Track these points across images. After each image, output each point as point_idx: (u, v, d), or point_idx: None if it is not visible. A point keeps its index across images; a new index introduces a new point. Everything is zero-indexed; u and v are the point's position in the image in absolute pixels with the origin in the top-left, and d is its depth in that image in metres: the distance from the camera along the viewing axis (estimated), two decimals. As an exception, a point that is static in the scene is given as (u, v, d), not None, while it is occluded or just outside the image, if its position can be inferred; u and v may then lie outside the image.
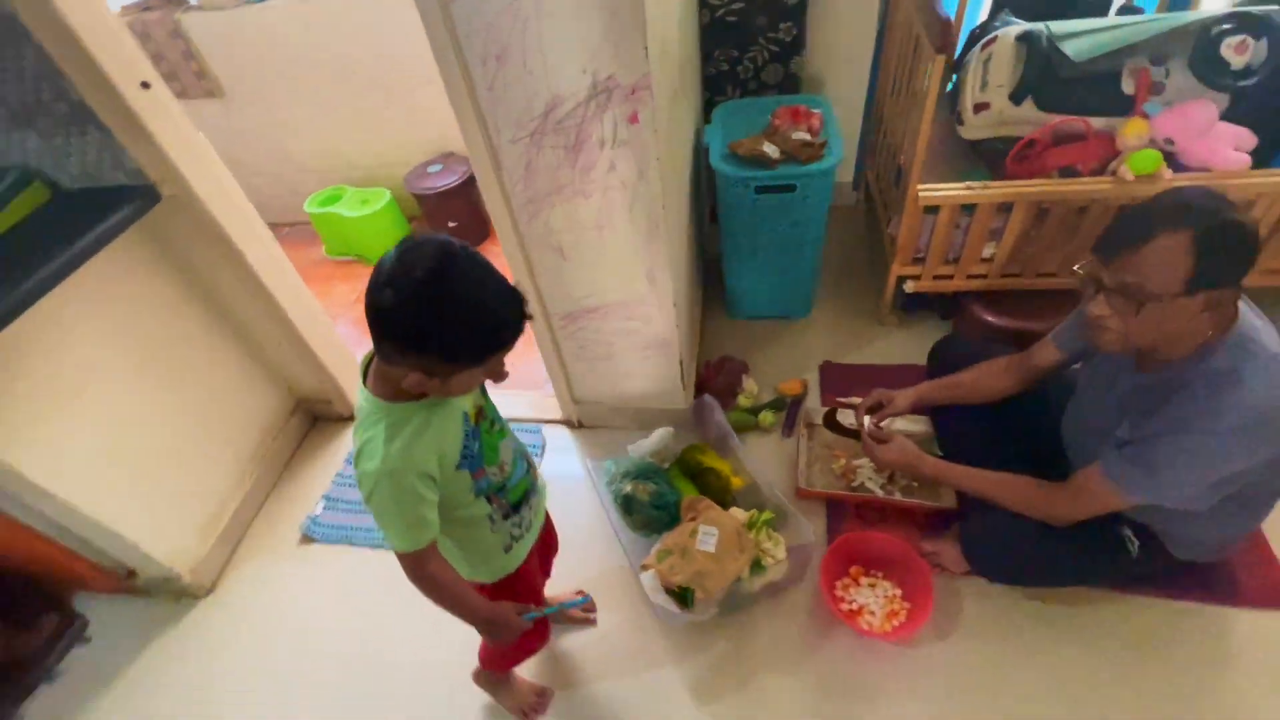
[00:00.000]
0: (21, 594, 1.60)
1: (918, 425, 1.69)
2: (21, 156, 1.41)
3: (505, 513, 1.01)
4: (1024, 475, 1.25)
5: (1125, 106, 1.59)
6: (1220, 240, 0.96)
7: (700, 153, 1.82)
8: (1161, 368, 1.09)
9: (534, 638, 1.24)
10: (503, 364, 0.85)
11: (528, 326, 0.82)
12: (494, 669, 1.29)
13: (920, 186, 1.64)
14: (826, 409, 1.64)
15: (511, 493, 1.01)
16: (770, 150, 1.70)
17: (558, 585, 1.47)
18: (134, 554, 1.55)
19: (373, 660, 1.46)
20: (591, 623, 1.45)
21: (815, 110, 1.84)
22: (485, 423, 0.95)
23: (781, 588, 1.45)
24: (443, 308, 0.75)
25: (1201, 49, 1.50)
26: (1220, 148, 1.51)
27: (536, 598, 1.17)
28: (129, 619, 1.65)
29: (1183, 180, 1.51)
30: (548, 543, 1.30)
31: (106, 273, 1.40)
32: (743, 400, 1.84)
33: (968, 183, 1.62)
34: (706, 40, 2.05)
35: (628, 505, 1.48)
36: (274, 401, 1.90)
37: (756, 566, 1.34)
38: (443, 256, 0.76)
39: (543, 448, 1.86)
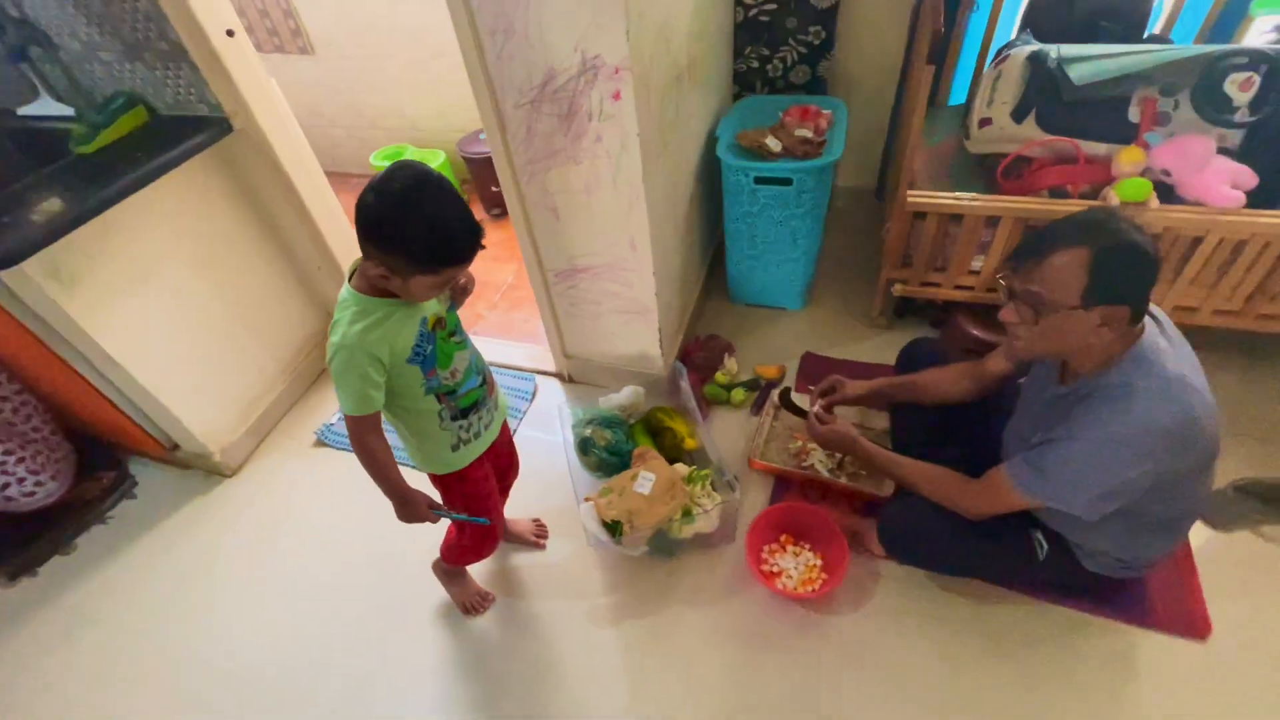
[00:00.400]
0: (89, 450, 1.92)
1: (878, 421, 1.76)
2: (130, 84, 1.69)
3: (454, 414, 1.16)
4: (948, 469, 1.32)
5: (1129, 134, 1.60)
6: (1115, 259, 1.01)
7: (713, 141, 1.94)
8: (1075, 380, 1.15)
9: (483, 545, 1.40)
10: (458, 281, 1.00)
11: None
12: (449, 563, 1.47)
13: (910, 192, 1.70)
14: (784, 387, 1.73)
15: (461, 399, 1.16)
16: (771, 143, 1.79)
17: (518, 511, 1.65)
18: (178, 429, 1.82)
19: (356, 550, 1.68)
20: (541, 547, 1.61)
21: (826, 111, 1.92)
22: (443, 332, 1.10)
23: (713, 544, 1.57)
24: (409, 215, 0.90)
25: (1205, 83, 1.50)
26: (1216, 184, 1.50)
27: (485, 505, 1.32)
28: (169, 485, 1.94)
29: (1173, 211, 1.51)
30: (507, 463, 1.46)
31: (182, 185, 1.67)
32: (720, 376, 1.95)
33: (956, 194, 1.67)
34: (739, 37, 2.16)
35: (584, 447, 1.63)
36: (311, 321, 2.15)
37: (687, 515, 1.46)
38: (421, 177, 0.93)
39: (533, 393, 2.03)
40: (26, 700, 1.49)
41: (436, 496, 1.29)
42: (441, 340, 1.10)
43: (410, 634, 1.51)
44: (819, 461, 1.68)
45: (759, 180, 1.84)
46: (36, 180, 1.52)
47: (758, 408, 1.86)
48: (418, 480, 1.24)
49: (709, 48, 1.84)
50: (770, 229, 1.96)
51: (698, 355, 1.99)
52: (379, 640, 1.51)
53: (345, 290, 1.03)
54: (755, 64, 2.21)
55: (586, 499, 1.48)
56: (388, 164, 2.97)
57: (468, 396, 1.17)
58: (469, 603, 1.51)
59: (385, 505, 1.17)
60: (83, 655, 1.57)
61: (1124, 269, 1.02)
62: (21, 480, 1.73)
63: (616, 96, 1.30)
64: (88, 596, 1.69)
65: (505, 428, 1.41)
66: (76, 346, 1.59)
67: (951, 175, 1.82)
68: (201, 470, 1.96)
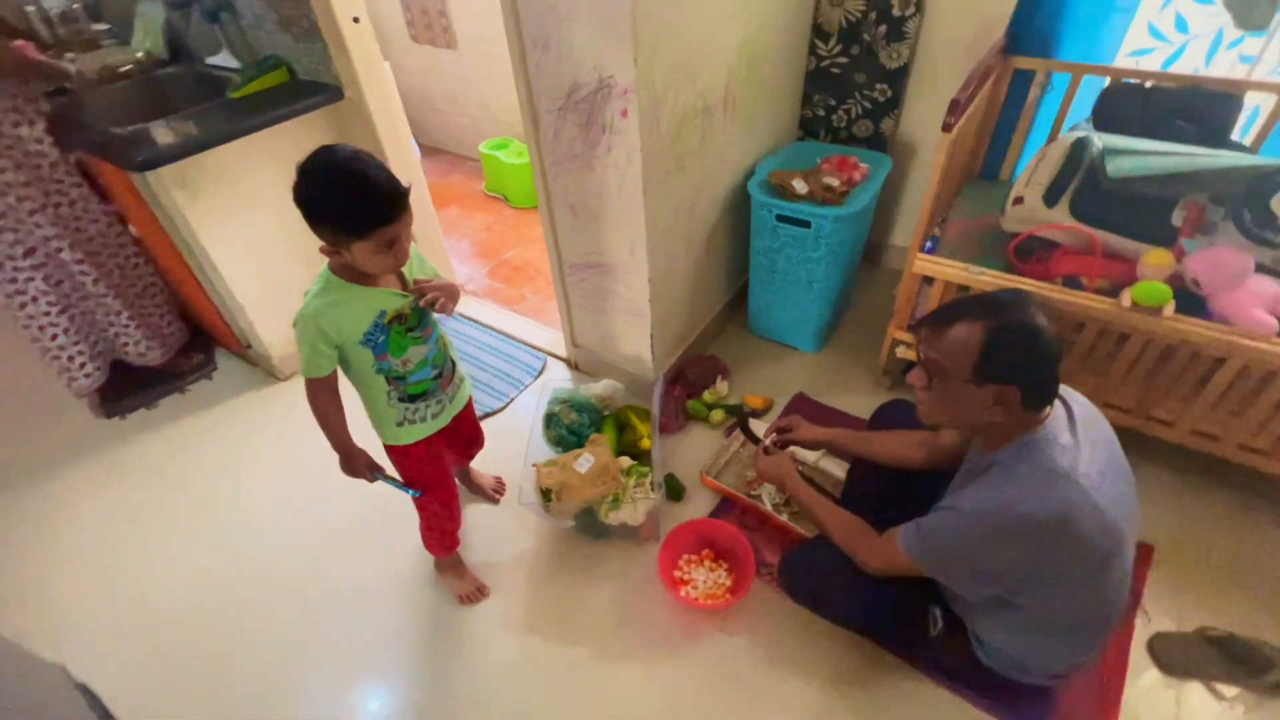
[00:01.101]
0: (193, 334, 2.35)
1: (838, 470, 1.75)
2: (281, 50, 2.08)
3: (401, 397, 1.26)
4: (861, 520, 1.33)
5: (1168, 237, 1.50)
6: (1008, 339, 1.00)
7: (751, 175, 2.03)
8: (983, 454, 1.13)
9: (442, 529, 1.51)
10: (394, 245, 1.05)
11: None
12: (430, 552, 1.58)
13: (920, 257, 1.70)
14: (748, 412, 1.77)
15: (410, 386, 1.26)
16: (798, 185, 1.86)
17: (490, 463, 1.81)
18: (251, 331, 2.19)
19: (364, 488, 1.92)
20: (495, 501, 1.77)
21: (864, 165, 1.95)
22: (400, 327, 1.19)
23: (639, 539, 1.65)
24: (329, 185, 1.00)
25: (1251, 196, 1.38)
26: (1249, 305, 1.38)
27: (420, 483, 1.42)
28: (238, 375, 2.33)
29: (1190, 324, 1.40)
30: (469, 435, 1.58)
31: (296, 134, 2.02)
32: (707, 395, 2.02)
33: (966, 265, 1.65)
34: (808, 84, 2.23)
35: (549, 420, 1.77)
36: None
37: (615, 502, 1.56)
38: (335, 151, 1.02)
39: (540, 370, 2.22)
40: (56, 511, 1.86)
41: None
42: (397, 333, 1.19)
43: (363, 556, 1.72)
44: (767, 494, 1.71)
45: (780, 218, 1.91)
46: (196, 111, 1.92)
47: (729, 430, 1.92)
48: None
49: (761, 90, 1.94)
50: (789, 267, 2.01)
51: (692, 371, 2.07)
52: (338, 559, 1.73)
53: (323, 268, 1.16)
54: (821, 112, 2.27)
55: (534, 464, 1.62)
56: (491, 153, 3.30)
57: (418, 385, 1.27)
58: (465, 593, 1.60)
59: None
60: (130, 492, 1.94)
61: (1016, 351, 1.00)
62: (136, 342, 2.16)
63: (624, 114, 1.44)
64: (152, 446, 2.08)
65: (469, 406, 1.50)
66: (191, 247, 1.98)
67: (983, 248, 1.79)
68: (262, 371, 2.33)
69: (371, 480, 1.31)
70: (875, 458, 1.49)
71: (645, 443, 1.74)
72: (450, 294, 1.21)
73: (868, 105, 2.17)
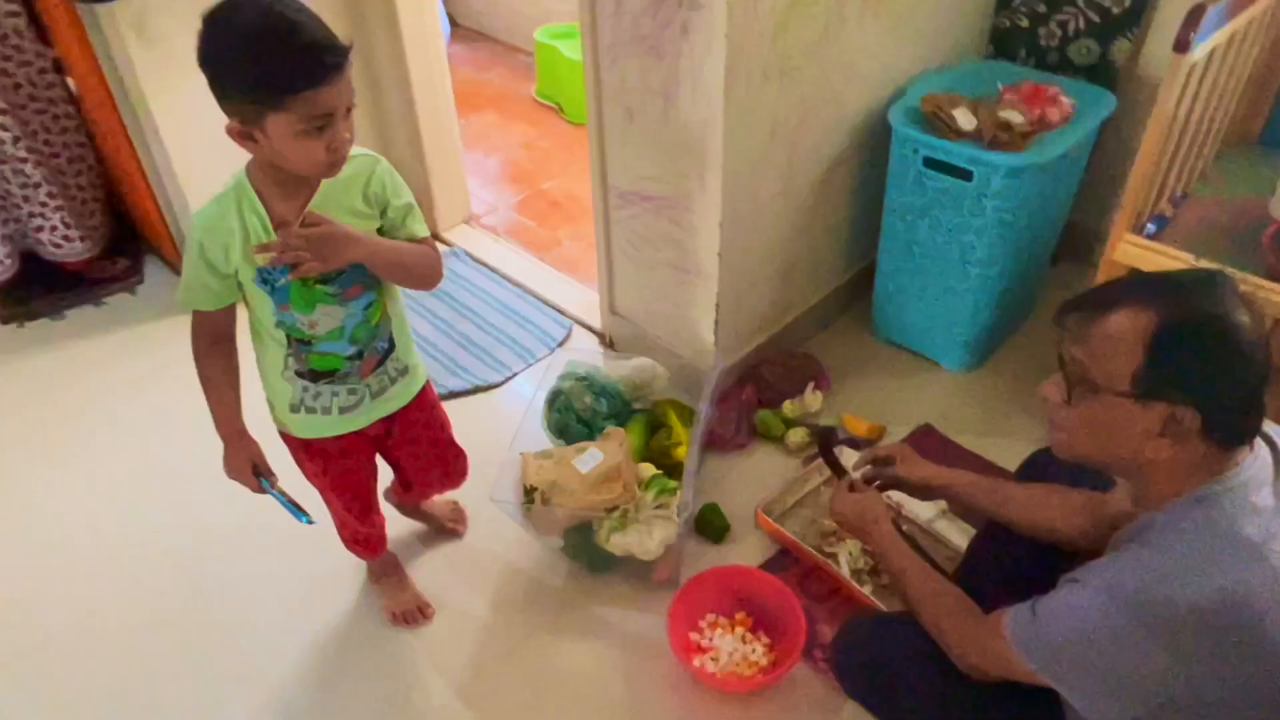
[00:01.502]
0: (118, 232, 2.66)
1: (957, 536, 1.78)
2: None
3: (300, 371, 1.32)
4: (965, 595, 1.35)
5: None
6: (1190, 338, 0.99)
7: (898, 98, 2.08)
8: (1139, 515, 1.15)
9: (353, 538, 1.65)
10: (326, 128, 1.07)
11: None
12: (352, 553, 1.69)
13: (1128, 238, 1.71)
14: (829, 426, 1.82)
15: (313, 357, 1.31)
16: (960, 118, 1.90)
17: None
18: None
19: None
20: (458, 534, 1.90)
21: (1069, 99, 1.96)
22: (300, 285, 1.22)
23: (651, 582, 1.74)
24: (234, 32, 1.04)
25: None
26: None
27: (324, 498, 1.53)
28: (166, 291, 2.63)
29: None
30: (430, 466, 1.62)
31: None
32: (788, 407, 2.09)
33: (1197, 258, 1.64)
34: (1010, -19, 2.27)
35: (552, 400, 1.90)
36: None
37: (621, 521, 1.66)
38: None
39: (561, 341, 2.36)
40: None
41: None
42: (300, 284, 1.23)
43: (279, 535, 1.91)
44: (847, 555, 1.76)
45: (929, 163, 1.95)
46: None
47: (810, 459, 1.97)
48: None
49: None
50: (935, 238, 2.05)
51: (773, 371, 2.14)
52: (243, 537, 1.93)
53: (240, 168, 1.22)
54: (1024, 22, 2.30)
55: (522, 454, 1.75)
56: (549, 42, 3.53)
57: (324, 359, 1.32)
58: (399, 609, 1.71)
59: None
60: (10, 416, 2.23)
61: (1200, 355, 1.00)
62: (54, 229, 2.48)
63: (710, -17, 1.56)
64: (49, 364, 2.38)
65: (436, 423, 1.58)
66: (137, 111, 2.26)
67: (1237, 243, 1.77)
68: (201, 292, 2.61)
69: (257, 489, 1.39)
70: (1014, 522, 1.51)
71: (681, 451, 1.83)
72: (326, 245, 1.17)
73: (1094, 18, 2.18)
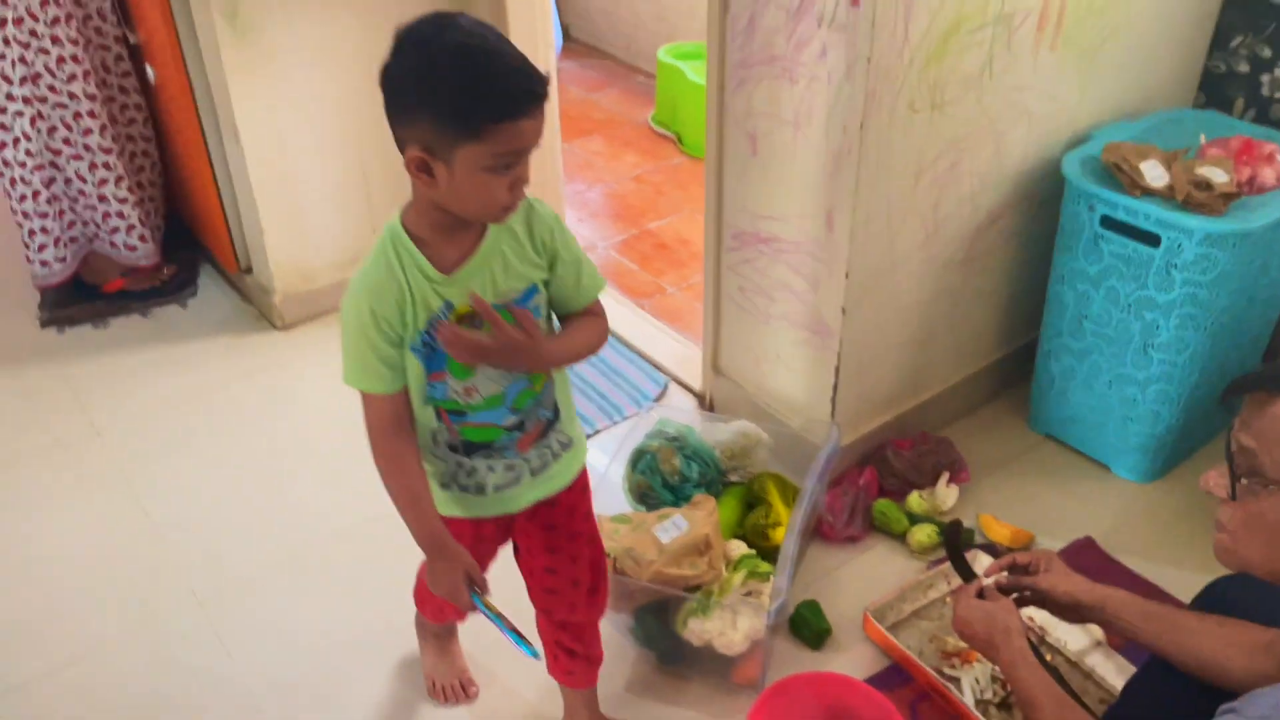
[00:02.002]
0: (173, 238, 2.98)
1: (1110, 673, 1.79)
2: None
3: (452, 444, 1.39)
4: None
5: None
6: None
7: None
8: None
9: (447, 610, 1.70)
10: (513, 166, 1.18)
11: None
12: (418, 607, 1.76)
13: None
14: (955, 521, 1.87)
15: (468, 428, 1.38)
16: (1149, 172, 1.98)
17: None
18: (258, 245, 2.74)
19: (335, 492, 2.31)
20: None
21: (1288, 160, 2.01)
22: (469, 328, 1.29)
23: (738, 682, 1.82)
24: (439, 48, 1.14)
25: None
26: None
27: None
28: (221, 308, 2.92)
29: None
30: (571, 560, 1.58)
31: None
32: (914, 500, 2.15)
33: None
34: (1226, 18, 2.35)
35: (636, 460, 2.02)
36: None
37: (703, 604, 1.75)
38: (467, 19, 1.17)
39: (655, 399, 2.50)
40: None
41: None
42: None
43: (310, 588, 2.08)
44: (971, 681, 1.79)
45: (1108, 223, 2.03)
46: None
47: (937, 563, 2.02)
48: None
49: (1122, 11, 2.10)
50: (1112, 312, 2.10)
51: (902, 456, 2.22)
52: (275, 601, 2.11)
53: (393, 217, 1.29)
54: (1244, 66, 2.37)
55: (596, 514, 1.87)
56: (673, 63, 3.78)
57: (480, 431, 1.39)
58: (443, 682, 1.79)
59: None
60: (35, 426, 2.51)
61: None
62: (130, 228, 2.81)
63: (855, 1, 1.70)
64: (84, 375, 2.67)
65: (589, 512, 1.61)
66: (215, 104, 2.57)
67: None
68: (256, 310, 2.88)
69: (469, 607, 1.41)
70: (1178, 656, 1.53)
71: (780, 533, 1.92)
72: (514, 355, 1.29)
73: (1330, 66, 2.23)
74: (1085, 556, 2.07)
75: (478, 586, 1.41)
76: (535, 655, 1.43)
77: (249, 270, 2.88)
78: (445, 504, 1.44)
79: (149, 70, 2.78)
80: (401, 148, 1.20)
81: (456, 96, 1.14)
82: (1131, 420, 2.19)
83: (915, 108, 1.86)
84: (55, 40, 2.55)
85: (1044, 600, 1.65)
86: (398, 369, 1.31)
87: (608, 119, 4.05)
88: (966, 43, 1.87)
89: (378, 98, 1.20)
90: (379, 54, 1.17)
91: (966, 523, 2.14)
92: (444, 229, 1.27)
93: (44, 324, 2.85)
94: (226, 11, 2.38)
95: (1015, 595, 1.67)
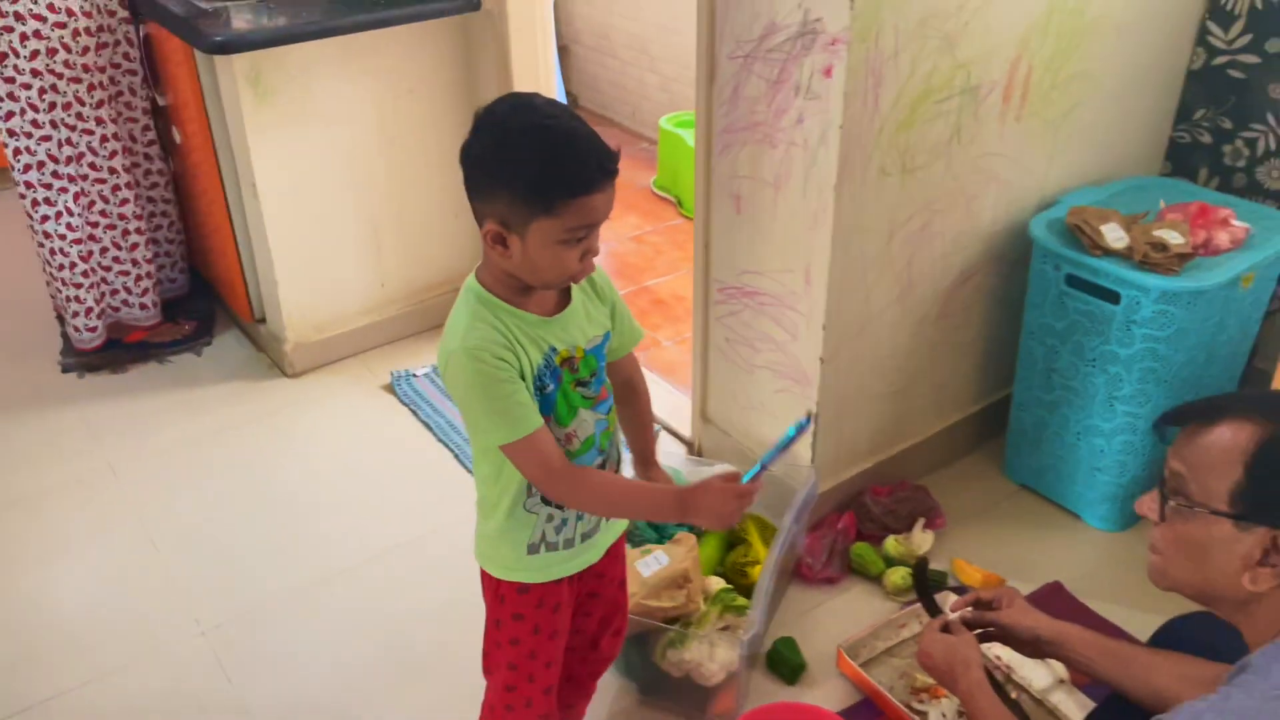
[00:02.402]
0: (191, 293, 3.12)
1: (1071, 709, 1.86)
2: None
3: (546, 497, 1.39)
4: None
5: None
6: None
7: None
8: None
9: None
10: (586, 237, 1.26)
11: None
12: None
13: (1296, 379, 1.83)
14: (922, 558, 1.95)
15: None
16: (1109, 233, 2.09)
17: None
18: (272, 296, 2.87)
19: (362, 532, 2.42)
20: None
21: (1241, 225, 2.13)
22: (571, 375, 1.36)
23: (715, 714, 1.89)
24: (512, 127, 1.22)
25: None
26: None
27: (532, 666, 1.50)
28: (235, 356, 3.05)
29: None
30: (600, 621, 1.64)
31: (406, 44, 2.73)
32: (892, 543, 2.24)
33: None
34: (1190, 92, 2.49)
35: (621, 500, 2.11)
36: (464, 259, 3.09)
37: (680, 636, 1.83)
38: (526, 97, 1.27)
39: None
40: None
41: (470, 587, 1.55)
42: (568, 384, 1.36)
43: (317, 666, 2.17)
44: (941, 713, 1.86)
45: (1072, 281, 2.14)
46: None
47: (910, 604, 2.10)
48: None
49: (1090, 84, 2.24)
50: (1078, 365, 2.21)
51: (880, 502, 2.31)
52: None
53: (470, 280, 1.34)
54: (1206, 137, 2.50)
55: (579, 554, 1.96)
56: (674, 130, 3.94)
57: None
58: None
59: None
60: (52, 467, 2.62)
61: None
62: (144, 292, 2.97)
63: (827, 73, 1.84)
64: (106, 420, 2.79)
65: (618, 559, 1.63)
66: (236, 162, 2.72)
67: None
68: (268, 358, 3.01)
69: (750, 495, 1.37)
70: (1133, 691, 1.60)
71: (757, 571, 2.00)
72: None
73: (1286, 138, 2.36)
74: (1054, 601, 2.14)
75: (744, 484, 1.37)
76: (806, 424, 1.46)
77: (263, 320, 3.02)
78: (532, 571, 1.45)
79: (175, 132, 2.94)
80: (480, 221, 1.27)
81: (534, 175, 1.20)
82: (1099, 471, 2.28)
83: (886, 171, 1.99)
84: (99, 121, 2.74)
85: (1006, 635, 1.73)
86: (534, 403, 1.32)
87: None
88: (934, 112, 2.00)
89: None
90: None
91: (941, 567, 2.23)
92: (519, 291, 1.32)
93: (65, 369, 2.98)
94: (250, 77, 2.55)
95: (979, 631, 1.75)
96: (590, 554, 1.50)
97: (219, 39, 2.43)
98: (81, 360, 2.98)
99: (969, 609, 1.77)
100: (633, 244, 3.75)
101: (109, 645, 2.11)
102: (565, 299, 1.37)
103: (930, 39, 1.90)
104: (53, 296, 2.94)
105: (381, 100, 2.75)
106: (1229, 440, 1.17)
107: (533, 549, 1.43)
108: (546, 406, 1.34)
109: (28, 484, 2.57)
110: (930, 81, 1.95)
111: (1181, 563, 1.25)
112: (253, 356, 3.05)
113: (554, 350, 1.34)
